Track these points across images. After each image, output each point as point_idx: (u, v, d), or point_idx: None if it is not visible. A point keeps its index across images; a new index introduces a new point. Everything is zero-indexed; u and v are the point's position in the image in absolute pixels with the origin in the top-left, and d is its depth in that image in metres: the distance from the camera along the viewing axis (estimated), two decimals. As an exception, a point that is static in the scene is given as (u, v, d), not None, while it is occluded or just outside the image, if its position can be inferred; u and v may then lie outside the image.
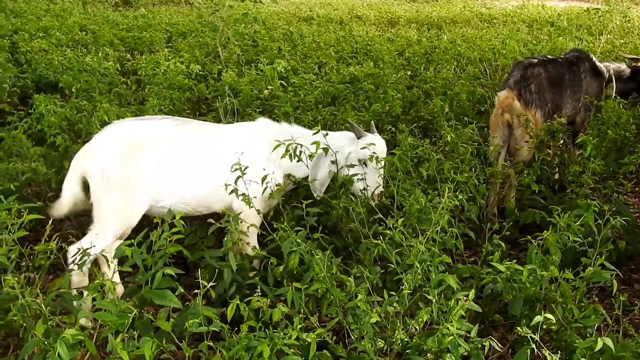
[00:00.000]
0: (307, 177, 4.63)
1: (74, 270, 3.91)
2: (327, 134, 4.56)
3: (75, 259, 3.85)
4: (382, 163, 4.67)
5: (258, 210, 4.21)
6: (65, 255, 4.06)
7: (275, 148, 4.37)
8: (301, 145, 4.40)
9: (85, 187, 4.31)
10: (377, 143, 4.62)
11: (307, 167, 4.54)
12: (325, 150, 4.49)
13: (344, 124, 6.46)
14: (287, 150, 4.36)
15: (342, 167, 4.63)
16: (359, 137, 4.65)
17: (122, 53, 10.97)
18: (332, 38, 12.84)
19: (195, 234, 4.72)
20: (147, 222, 4.18)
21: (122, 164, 4.25)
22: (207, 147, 4.52)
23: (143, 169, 4.28)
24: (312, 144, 4.42)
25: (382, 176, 4.68)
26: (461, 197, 4.34)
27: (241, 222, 4.25)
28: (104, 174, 4.22)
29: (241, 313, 3.25)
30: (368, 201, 4.49)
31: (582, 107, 6.23)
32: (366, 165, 4.60)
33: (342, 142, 4.68)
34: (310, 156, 4.47)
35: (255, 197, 4.25)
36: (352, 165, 4.62)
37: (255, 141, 4.59)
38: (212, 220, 3.99)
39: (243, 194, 4.11)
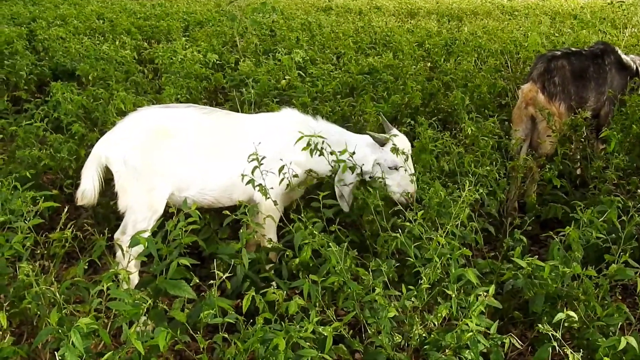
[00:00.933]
0: (329, 173, 4.60)
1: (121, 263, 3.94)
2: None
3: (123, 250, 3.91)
4: (411, 165, 4.62)
5: (275, 202, 4.19)
6: (80, 244, 4.07)
7: (297, 141, 4.32)
8: (323, 142, 4.36)
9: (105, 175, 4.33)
10: (402, 144, 4.57)
11: (329, 163, 4.47)
12: (352, 168, 4.46)
13: (362, 115, 6.42)
14: (308, 144, 4.32)
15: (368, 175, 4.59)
16: (382, 145, 4.59)
17: (139, 41, 10.99)
18: (351, 28, 12.79)
19: (210, 226, 4.70)
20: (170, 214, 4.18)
21: (144, 151, 4.25)
22: (231, 137, 4.51)
23: (166, 157, 4.29)
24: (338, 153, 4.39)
25: (414, 174, 4.62)
26: (481, 191, 4.30)
27: (259, 213, 4.24)
28: (126, 162, 4.24)
29: (257, 305, 3.23)
30: (406, 203, 4.42)
31: (606, 101, 6.15)
32: (397, 170, 4.56)
33: (364, 150, 4.62)
34: (332, 153, 4.40)
35: (272, 188, 4.23)
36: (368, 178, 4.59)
37: (279, 132, 4.56)
38: (227, 212, 3.99)
39: (260, 185, 4.08)
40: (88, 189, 4.28)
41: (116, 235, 4.34)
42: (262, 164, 4.09)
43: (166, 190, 4.34)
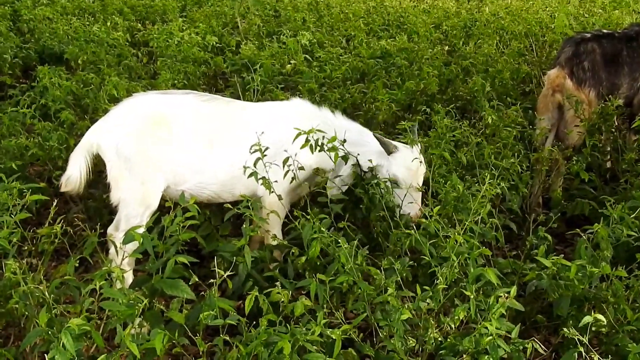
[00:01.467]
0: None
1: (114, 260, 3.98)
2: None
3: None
4: (420, 182, 4.56)
5: (280, 196, 4.22)
6: (71, 240, 4.11)
7: (296, 137, 4.33)
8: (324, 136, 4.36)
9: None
10: (411, 166, 4.51)
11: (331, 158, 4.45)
12: (345, 158, 4.47)
13: (373, 103, 6.43)
14: (307, 141, 4.31)
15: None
16: (388, 153, 4.55)
17: (132, 22, 10.98)
18: (362, 8, 12.74)
19: (210, 222, 4.73)
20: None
21: (139, 140, 4.28)
22: (232, 127, 4.53)
23: (161, 147, 4.31)
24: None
25: (420, 195, 4.56)
26: (503, 185, 4.31)
27: (262, 208, 4.27)
28: (119, 151, 4.27)
29: (260, 306, 3.25)
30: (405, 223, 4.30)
31: (640, 88, 6.14)
32: (397, 184, 4.51)
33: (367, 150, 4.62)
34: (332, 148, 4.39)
35: (276, 181, 4.25)
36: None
37: (285, 123, 4.56)
38: (228, 206, 4.02)
39: (263, 178, 4.11)
40: (74, 176, 4.31)
41: (109, 230, 4.38)
42: (265, 155, 4.12)
43: (161, 183, 4.36)
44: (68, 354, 2.74)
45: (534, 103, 6.23)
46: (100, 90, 6.44)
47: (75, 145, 4.50)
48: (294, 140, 4.34)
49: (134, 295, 3.11)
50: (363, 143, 4.62)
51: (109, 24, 10.25)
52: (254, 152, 4.13)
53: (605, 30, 6.31)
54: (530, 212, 5.15)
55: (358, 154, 4.55)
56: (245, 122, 4.56)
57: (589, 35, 6.01)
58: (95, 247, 3.90)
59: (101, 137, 4.33)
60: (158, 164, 4.32)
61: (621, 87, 5.91)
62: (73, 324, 2.80)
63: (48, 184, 5.24)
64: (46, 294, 3.10)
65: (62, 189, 4.36)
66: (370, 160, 4.51)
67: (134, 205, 4.32)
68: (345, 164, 4.53)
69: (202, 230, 4.61)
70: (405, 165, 4.51)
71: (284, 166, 4.26)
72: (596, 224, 3.82)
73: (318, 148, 4.32)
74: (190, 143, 4.40)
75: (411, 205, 4.46)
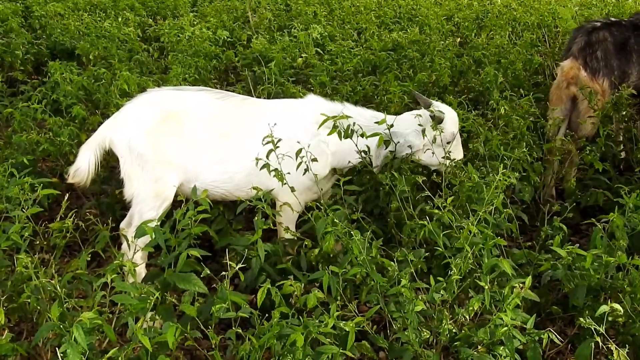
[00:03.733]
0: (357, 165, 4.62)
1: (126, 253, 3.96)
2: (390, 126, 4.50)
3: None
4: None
5: (292, 188, 4.18)
6: (83, 235, 4.10)
7: (322, 123, 4.30)
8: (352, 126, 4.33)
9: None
10: (451, 115, 4.61)
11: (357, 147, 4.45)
12: (386, 142, 4.46)
13: (385, 96, 6.39)
14: (334, 127, 4.27)
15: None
16: (427, 106, 4.58)
17: (143, 18, 10.99)
18: (373, 1, 12.71)
19: (224, 216, 4.70)
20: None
21: (151, 135, 4.27)
22: (248, 124, 4.49)
23: (174, 143, 4.30)
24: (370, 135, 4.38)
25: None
26: (515, 176, 4.28)
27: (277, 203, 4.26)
28: (131, 146, 4.26)
29: (272, 299, 3.23)
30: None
31: (649, 76, 6.08)
32: (451, 142, 4.60)
33: (410, 127, 4.60)
34: (362, 134, 4.37)
35: (289, 173, 4.20)
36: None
37: (302, 121, 4.53)
38: (240, 198, 3.98)
39: (275, 170, 4.06)
40: (82, 168, 4.29)
41: (122, 225, 4.38)
42: (277, 146, 4.08)
43: (174, 180, 4.34)
44: (80, 347, 2.74)
45: (547, 94, 6.17)
46: (112, 85, 6.44)
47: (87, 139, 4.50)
48: (320, 126, 4.32)
49: (146, 288, 3.10)
50: (397, 131, 4.58)
51: (120, 19, 10.25)
52: (266, 144, 4.09)
53: (613, 18, 6.25)
54: (544, 203, 5.10)
55: (398, 141, 4.53)
56: (259, 119, 4.50)
57: (599, 24, 5.95)
58: (108, 241, 3.89)
59: (114, 132, 4.33)
60: (171, 160, 4.31)
61: (631, 76, 5.86)
62: (85, 318, 2.79)
63: (60, 179, 5.24)
64: (58, 288, 3.08)
65: (69, 180, 4.35)
66: (410, 147, 4.52)
67: (147, 201, 4.30)
68: (386, 148, 4.51)
69: (216, 224, 4.60)
70: (451, 118, 4.60)
71: (297, 158, 4.22)
72: (611, 213, 3.78)
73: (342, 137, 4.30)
74: (204, 141, 4.38)
75: (457, 150, 4.62)
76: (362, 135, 4.36)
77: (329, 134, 4.32)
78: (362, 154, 4.50)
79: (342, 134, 4.29)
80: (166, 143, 4.29)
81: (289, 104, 4.86)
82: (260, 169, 4.10)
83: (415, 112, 4.66)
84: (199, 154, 4.37)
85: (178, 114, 4.36)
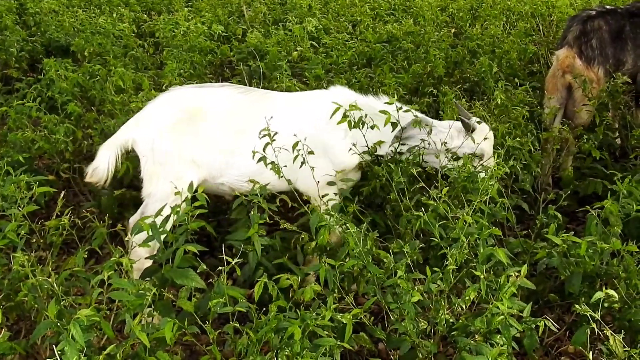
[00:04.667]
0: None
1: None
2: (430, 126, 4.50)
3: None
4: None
5: (318, 182, 4.19)
6: (80, 233, 4.10)
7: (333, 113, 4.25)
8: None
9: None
10: (490, 135, 4.57)
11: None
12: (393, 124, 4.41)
13: (380, 88, 6.39)
14: (359, 120, 4.22)
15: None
16: (470, 129, 4.52)
17: (138, 13, 10.95)
18: (368, -7, 12.69)
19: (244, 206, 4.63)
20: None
21: (175, 134, 4.27)
22: (275, 118, 4.40)
23: (200, 140, 4.30)
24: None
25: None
26: (515, 165, 4.28)
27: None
28: (155, 145, 4.27)
29: (269, 293, 3.24)
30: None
31: (645, 64, 6.07)
32: (482, 158, 4.56)
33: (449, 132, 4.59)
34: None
35: (313, 167, 4.19)
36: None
37: (329, 113, 4.38)
38: (237, 193, 3.98)
39: (272, 163, 4.03)
40: (101, 168, 4.31)
41: (131, 220, 4.39)
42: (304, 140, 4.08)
43: (194, 179, 4.28)
44: (78, 345, 2.73)
45: (542, 82, 6.17)
46: (107, 82, 6.43)
47: (83, 137, 4.50)
48: (331, 117, 4.27)
49: (144, 285, 3.10)
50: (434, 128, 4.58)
51: (114, 15, 10.23)
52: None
53: (608, 6, 6.24)
54: (541, 192, 5.10)
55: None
56: (284, 113, 4.47)
57: (594, 12, 5.95)
58: (105, 239, 3.89)
59: (137, 132, 4.34)
60: (194, 158, 4.31)
61: (626, 64, 5.86)
62: (82, 315, 2.79)
63: (56, 176, 5.24)
64: (55, 286, 3.09)
65: (87, 179, 4.36)
66: (444, 143, 4.51)
67: (164, 199, 4.23)
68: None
69: (236, 213, 4.48)
70: (489, 138, 4.56)
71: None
72: (606, 200, 3.78)
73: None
74: (230, 136, 4.37)
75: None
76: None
77: (351, 127, 4.25)
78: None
79: (361, 125, 4.27)
80: (190, 141, 4.31)
81: (312, 96, 4.82)
82: (294, 163, 4.11)
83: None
84: (223, 150, 4.37)
85: (200, 110, 4.37)
